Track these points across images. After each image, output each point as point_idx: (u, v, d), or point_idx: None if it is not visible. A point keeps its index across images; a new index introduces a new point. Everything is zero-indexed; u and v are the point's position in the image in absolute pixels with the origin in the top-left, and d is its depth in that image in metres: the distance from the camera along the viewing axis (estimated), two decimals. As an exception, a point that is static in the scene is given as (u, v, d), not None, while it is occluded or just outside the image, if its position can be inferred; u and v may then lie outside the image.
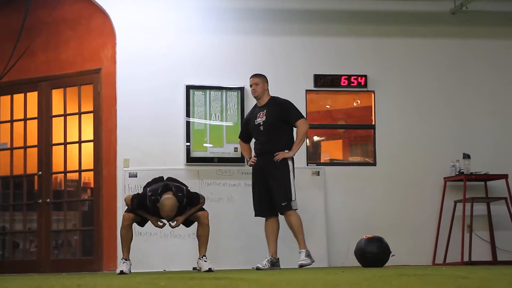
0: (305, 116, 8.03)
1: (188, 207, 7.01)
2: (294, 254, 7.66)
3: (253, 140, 7.96)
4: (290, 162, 7.63)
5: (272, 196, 7.60)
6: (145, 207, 6.92)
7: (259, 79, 7.80)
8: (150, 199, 6.87)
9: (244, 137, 8.08)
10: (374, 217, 9.02)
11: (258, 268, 7.42)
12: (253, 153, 7.93)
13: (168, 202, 6.76)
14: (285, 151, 7.62)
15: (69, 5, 9.29)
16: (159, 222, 7.07)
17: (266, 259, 7.56)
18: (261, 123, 7.71)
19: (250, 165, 7.81)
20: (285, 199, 7.52)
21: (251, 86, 7.83)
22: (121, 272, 6.87)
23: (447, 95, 9.44)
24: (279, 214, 7.68)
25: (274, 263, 7.56)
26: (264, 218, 7.75)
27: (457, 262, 8.76)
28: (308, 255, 7.50)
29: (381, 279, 3.11)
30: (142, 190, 7.16)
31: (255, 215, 7.77)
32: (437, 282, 2.68)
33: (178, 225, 7.13)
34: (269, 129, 7.67)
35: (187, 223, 7.25)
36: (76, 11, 9.29)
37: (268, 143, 7.66)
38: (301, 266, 7.42)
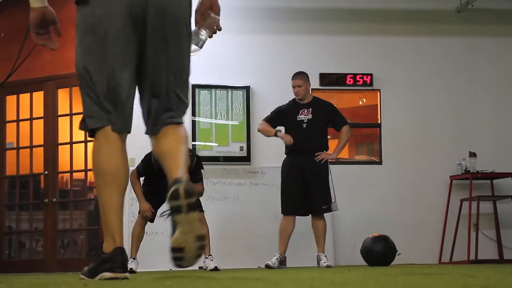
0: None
1: (194, 175, 7.03)
2: (300, 253, 7.65)
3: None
4: (329, 165, 7.64)
5: (307, 196, 7.52)
6: (149, 167, 6.94)
7: (302, 81, 7.68)
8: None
9: (271, 124, 7.78)
10: (380, 216, 9.01)
11: (267, 266, 7.40)
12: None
13: None
14: (324, 152, 7.61)
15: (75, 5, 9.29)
16: (147, 213, 7.07)
17: (275, 257, 7.51)
18: (305, 120, 7.62)
19: (289, 142, 7.48)
20: (326, 202, 7.51)
21: (294, 87, 7.70)
22: (131, 270, 6.89)
23: (452, 93, 9.43)
24: (303, 215, 7.60)
25: (282, 262, 7.55)
26: (272, 216, 7.71)
27: (463, 261, 8.75)
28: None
29: (387, 277, 3.11)
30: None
31: (285, 213, 7.54)
32: (443, 281, 2.67)
33: None
34: (313, 128, 7.59)
35: None
36: (82, 10, 9.29)
37: (310, 142, 7.58)
38: (328, 266, 7.39)
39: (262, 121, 7.89)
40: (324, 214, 7.57)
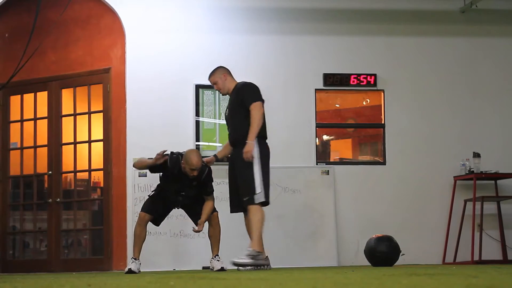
0: (263, 99, 6.77)
1: (205, 187, 6.94)
2: (304, 254, 7.64)
3: None
4: (256, 150, 6.61)
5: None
6: (167, 172, 6.82)
7: (213, 78, 6.97)
8: (171, 157, 6.74)
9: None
10: (383, 216, 9.01)
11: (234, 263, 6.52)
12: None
13: (193, 151, 6.79)
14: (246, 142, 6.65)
15: (79, 5, 9.31)
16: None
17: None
18: (227, 113, 7.03)
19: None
20: (247, 193, 6.58)
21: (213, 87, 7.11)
22: (129, 271, 6.84)
23: (456, 93, 9.42)
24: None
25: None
26: (276, 216, 7.67)
27: (467, 261, 8.74)
28: (254, 257, 6.46)
29: (391, 278, 3.11)
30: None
31: (230, 212, 7.01)
32: (447, 281, 2.67)
33: (202, 228, 7.01)
34: (232, 119, 6.87)
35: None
36: (86, 10, 9.31)
37: (233, 133, 6.86)
38: (233, 263, 6.43)
39: None
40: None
